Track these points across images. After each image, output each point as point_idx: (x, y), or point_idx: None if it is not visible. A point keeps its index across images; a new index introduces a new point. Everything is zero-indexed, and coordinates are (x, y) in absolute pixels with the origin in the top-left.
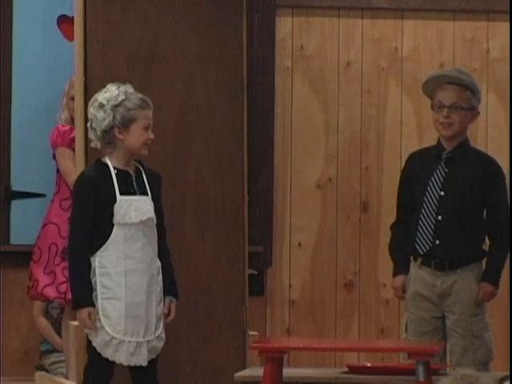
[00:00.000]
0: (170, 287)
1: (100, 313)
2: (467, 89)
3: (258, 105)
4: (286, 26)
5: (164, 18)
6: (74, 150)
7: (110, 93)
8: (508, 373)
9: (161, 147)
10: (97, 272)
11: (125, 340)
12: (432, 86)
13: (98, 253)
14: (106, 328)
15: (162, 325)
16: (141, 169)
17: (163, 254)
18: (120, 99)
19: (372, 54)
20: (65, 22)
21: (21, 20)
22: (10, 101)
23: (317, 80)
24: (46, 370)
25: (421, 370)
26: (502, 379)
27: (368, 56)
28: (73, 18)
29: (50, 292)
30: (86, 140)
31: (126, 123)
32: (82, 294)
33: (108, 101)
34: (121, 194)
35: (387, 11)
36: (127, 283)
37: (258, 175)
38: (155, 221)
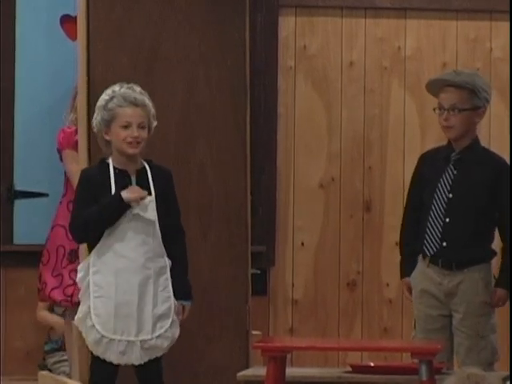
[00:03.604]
0: (179, 291)
1: (92, 311)
2: (466, 89)
3: (260, 104)
4: (288, 25)
5: (166, 18)
6: (77, 151)
7: (102, 95)
8: (508, 373)
9: (164, 147)
10: (90, 270)
11: (115, 339)
12: (434, 90)
13: (93, 251)
14: (97, 326)
15: (166, 324)
16: (147, 168)
17: (175, 254)
18: (104, 100)
19: (375, 53)
20: (68, 21)
21: (24, 20)
22: (13, 100)
23: (320, 80)
24: (49, 370)
25: (424, 369)
26: (504, 379)
27: (371, 56)
28: (76, 17)
29: (57, 295)
30: (90, 140)
31: (107, 124)
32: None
33: (97, 104)
34: None
35: (390, 11)
36: (118, 282)
37: (261, 175)
38: (153, 218)
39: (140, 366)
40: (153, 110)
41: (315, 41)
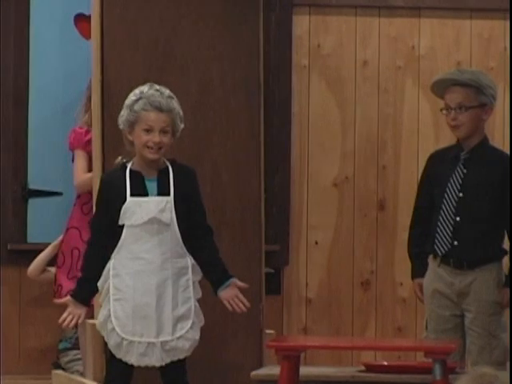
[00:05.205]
0: (223, 275)
1: (112, 314)
2: (472, 87)
3: (274, 103)
4: (302, 24)
5: (181, 17)
6: (88, 152)
7: (131, 94)
8: None
9: (178, 146)
10: (110, 273)
11: (134, 341)
12: (439, 91)
13: (113, 255)
14: (117, 329)
15: (187, 325)
16: (169, 168)
17: (206, 250)
18: (131, 100)
19: (389, 52)
20: (82, 20)
21: (38, 19)
22: (27, 99)
23: (334, 79)
24: (63, 369)
25: (437, 368)
26: None
27: (385, 55)
28: (90, 16)
29: None
30: (103, 140)
31: (131, 125)
32: (76, 287)
33: (126, 102)
34: (132, 195)
35: (404, 10)
36: (135, 284)
37: (275, 174)
38: (167, 221)
39: (165, 369)
40: (180, 113)
41: (329, 40)
